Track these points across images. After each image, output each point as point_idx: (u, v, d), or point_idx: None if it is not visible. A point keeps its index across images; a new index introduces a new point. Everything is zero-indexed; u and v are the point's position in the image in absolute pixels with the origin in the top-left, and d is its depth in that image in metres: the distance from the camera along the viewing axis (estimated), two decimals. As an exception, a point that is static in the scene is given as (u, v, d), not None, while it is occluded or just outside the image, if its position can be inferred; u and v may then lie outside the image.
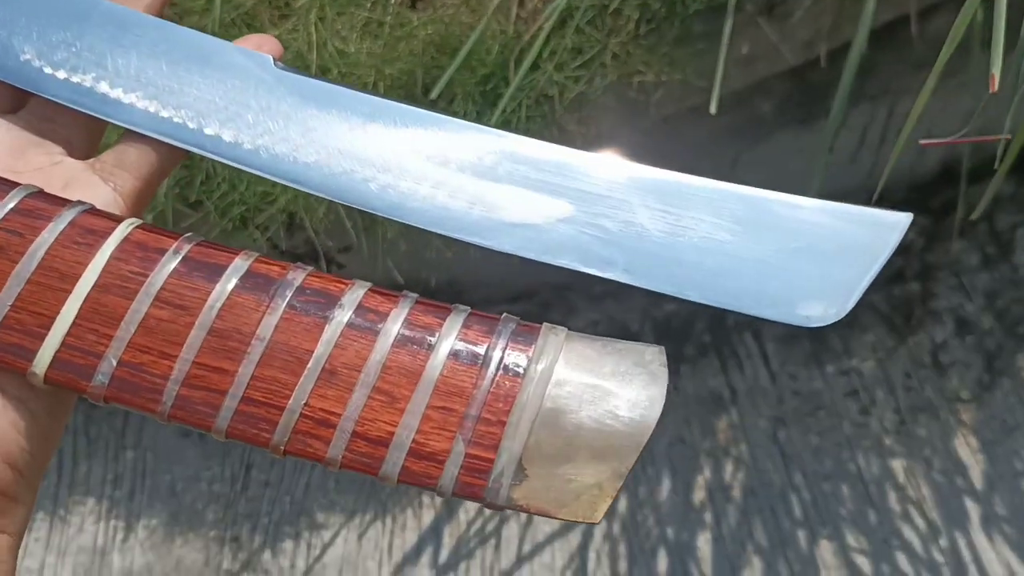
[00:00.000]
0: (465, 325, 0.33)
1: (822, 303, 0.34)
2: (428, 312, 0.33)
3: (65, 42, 0.38)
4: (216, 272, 0.33)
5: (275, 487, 1.34)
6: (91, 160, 0.38)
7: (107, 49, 0.38)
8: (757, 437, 1.38)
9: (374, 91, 0.87)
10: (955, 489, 1.30)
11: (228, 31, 1.05)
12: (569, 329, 0.33)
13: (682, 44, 1.08)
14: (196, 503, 1.33)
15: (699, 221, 0.35)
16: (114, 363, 0.32)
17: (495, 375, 0.32)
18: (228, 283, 0.33)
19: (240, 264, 0.33)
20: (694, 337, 1.47)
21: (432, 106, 1.10)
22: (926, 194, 1.50)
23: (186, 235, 0.34)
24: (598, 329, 1.43)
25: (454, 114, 1.06)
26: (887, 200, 1.52)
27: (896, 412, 1.38)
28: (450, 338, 0.32)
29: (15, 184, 0.35)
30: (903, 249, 1.56)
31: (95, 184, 0.37)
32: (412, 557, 1.28)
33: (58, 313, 0.32)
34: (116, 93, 0.38)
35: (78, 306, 0.32)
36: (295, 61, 1.05)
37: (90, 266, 0.33)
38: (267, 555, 1.30)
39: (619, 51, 1.06)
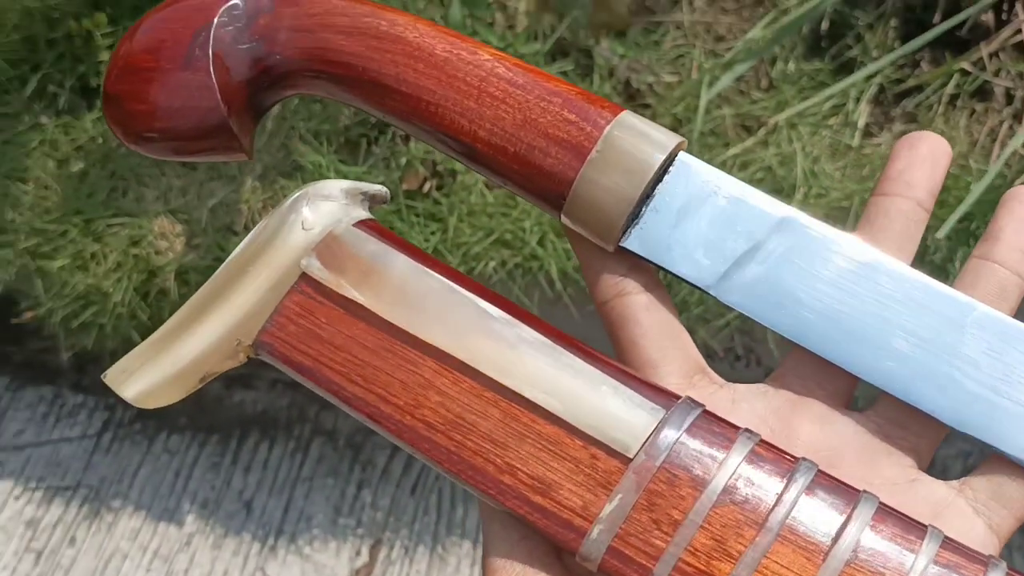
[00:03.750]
0: None
1: None
2: None
3: (945, 351, 0.34)
4: None
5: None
6: (957, 483, 0.34)
7: (988, 364, 0.34)
8: None
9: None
10: None
11: (704, 140, 1.08)
12: None
13: None
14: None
15: None
16: None
17: None
18: None
19: None
20: None
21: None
22: None
23: None
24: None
25: (925, 249, 1.03)
26: None
27: None
28: None
29: (927, 529, 0.32)
30: None
31: (966, 515, 0.33)
32: None
33: None
34: (998, 419, 0.34)
35: None
36: (765, 177, 1.07)
37: None
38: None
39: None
